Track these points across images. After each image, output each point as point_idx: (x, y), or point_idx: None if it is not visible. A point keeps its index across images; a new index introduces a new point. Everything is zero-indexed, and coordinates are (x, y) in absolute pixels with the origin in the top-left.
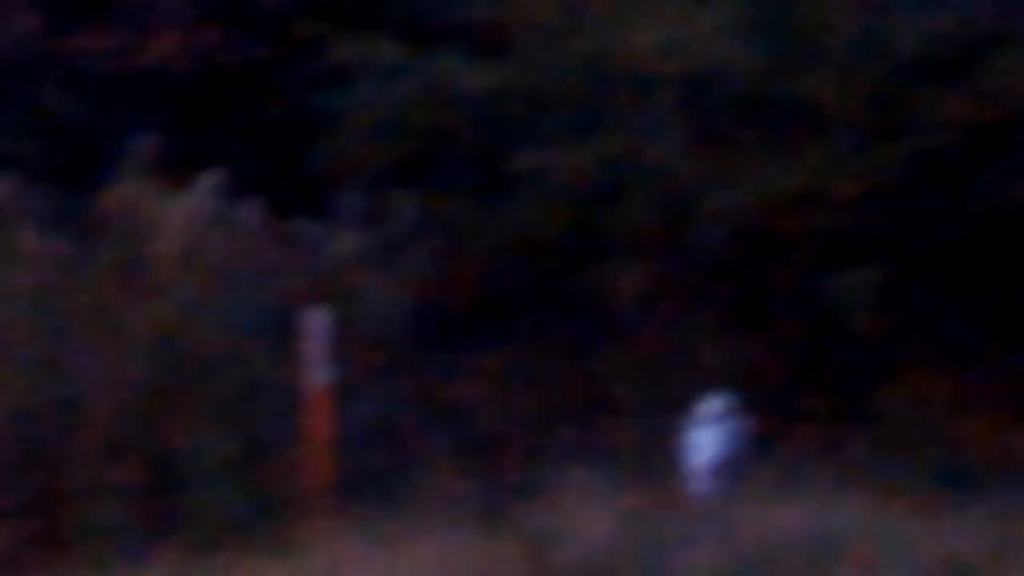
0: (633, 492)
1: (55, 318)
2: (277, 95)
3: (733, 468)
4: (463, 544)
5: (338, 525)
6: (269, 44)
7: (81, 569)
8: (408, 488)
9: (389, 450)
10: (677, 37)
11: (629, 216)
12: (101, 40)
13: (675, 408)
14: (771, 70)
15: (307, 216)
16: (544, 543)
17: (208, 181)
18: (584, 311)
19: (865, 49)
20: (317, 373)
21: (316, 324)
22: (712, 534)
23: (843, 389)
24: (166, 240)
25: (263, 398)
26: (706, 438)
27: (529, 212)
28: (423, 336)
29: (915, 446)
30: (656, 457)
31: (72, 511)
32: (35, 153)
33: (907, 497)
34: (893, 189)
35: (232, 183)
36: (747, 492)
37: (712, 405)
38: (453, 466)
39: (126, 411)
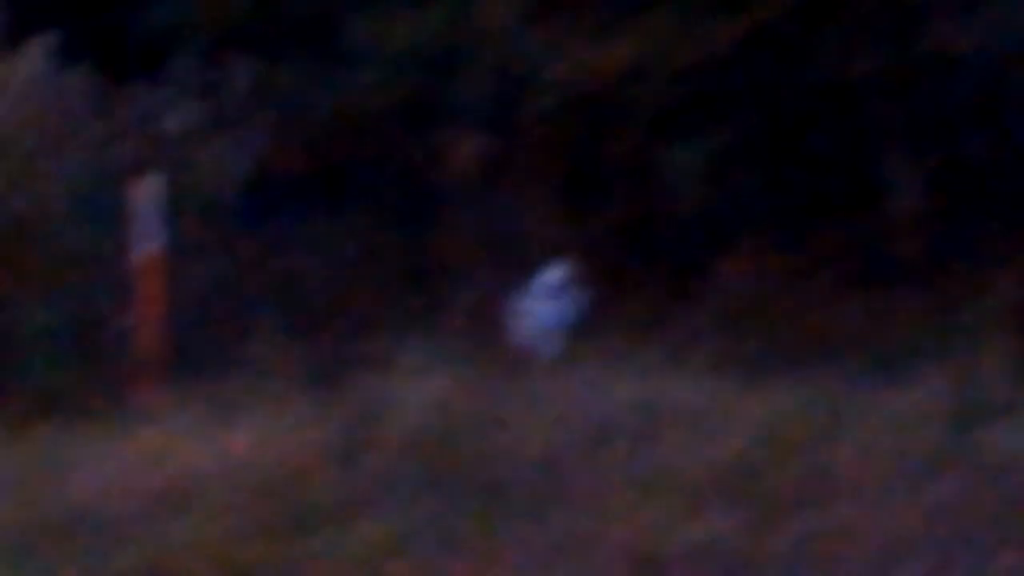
0: (468, 363)
1: None
2: None
3: (568, 340)
4: (294, 415)
5: (169, 396)
6: None
7: None
8: (241, 359)
9: (222, 320)
10: None
11: (465, 86)
12: None
13: (511, 280)
14: None
15: (141, 83)
16: (376, 413)
17: (40, 46)
18: (421, 182)
19: None
20: (149, 242)
21: (148, 192)
22: (545, 406)
23: (677, 262)
24: None
25: (96, 266)
26: (542, 310)
27: (365, 82)
28: (258, 206)
29: (748, 319)
30: (492, 328)
31: None
32: None
33: (738, 370)
34: (727, 62)
35: (64, 49)
36: (581, 364)
37: (549, 276)
38: (286, 336)
39: None
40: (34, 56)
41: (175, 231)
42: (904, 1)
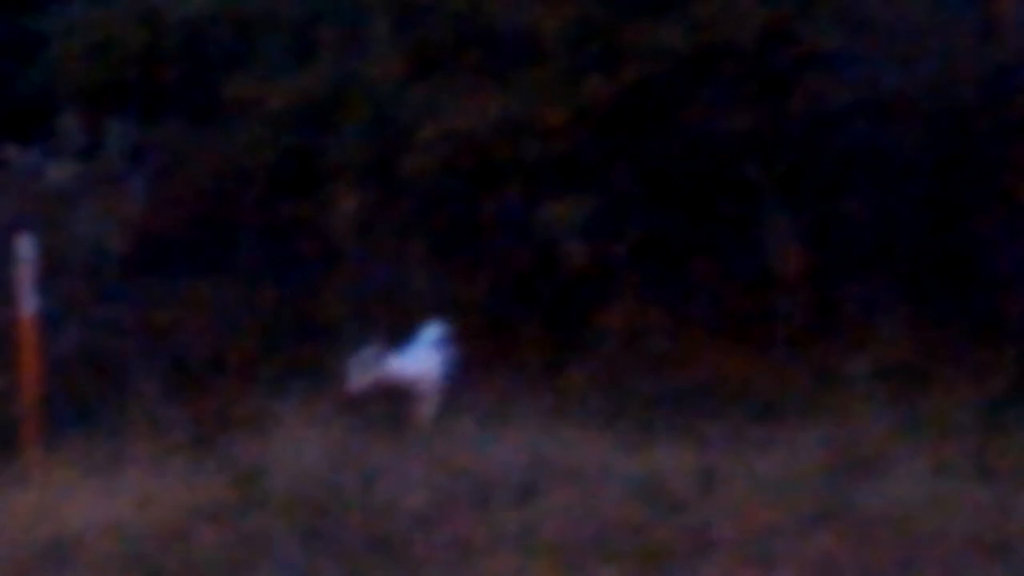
0: (347, 421)
1: None
2: None
3: (448, 398)
4: (174, 474)
5: (48, 457)
6: None
7: None
8: (119, 418)
9: (99, 380)
10: None
11: (343, 144)
12: None
13: (389, 337)
14: None
15: (19, 142)
16: (256, 472)
17: None
18: (300, 238)
19: None
20: (25, 302)
21: (25, 252)
22: (426, 462)
23: (558, 318)
24: None
25: None
26: (420, 367)
27: (243, 139)
28: (137, 264)
29: (630, 374)
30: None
31: None
32: None
33: (619, 426)
34: (605, 118)
35: None
36: (461, 422)
37: (427, 333)
38: (165, 395)
39: None
40: None
41: (53, 290)
42: (776, 59)
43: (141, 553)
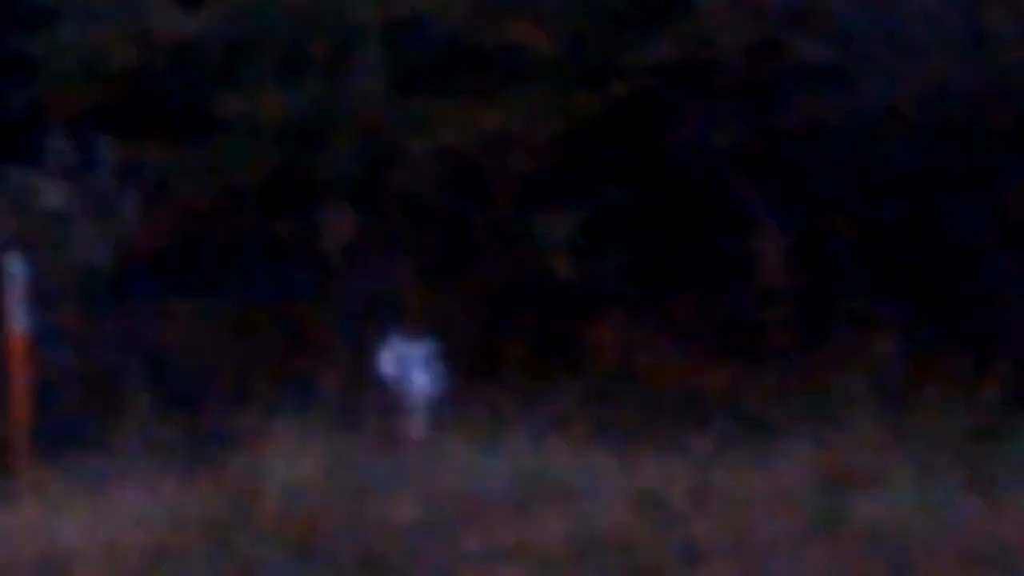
0: (339, 438)
1: None
2: None
3: (438, 415)
4: (166, 492)
5: (39, 475)
6: None
7: None
8: (111, 436)
9: (91, 398)
10: None
11: (333, 162)
12: None
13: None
14: (474, 15)
15: (10, 162)
16: (247, 490)
17: None
18: (291, 256)
19: None
20: (16, 321)
21: (15, 271)
22: (417, 479)
23: (547, 333)
24: None
25: None
26: (411, 384)
27: (233, 158)
28: (128, 283)
29: (618, 388)
30: (362, 404)
31: None
32: None
33: (612, 440)
34: (595, 133)
35: None
36: (452, 437)
37: (416, 350)
38: (157, 413)
39: None
40: None
41: (45, 309)
42: (766, 74)
43: (133, 571)
